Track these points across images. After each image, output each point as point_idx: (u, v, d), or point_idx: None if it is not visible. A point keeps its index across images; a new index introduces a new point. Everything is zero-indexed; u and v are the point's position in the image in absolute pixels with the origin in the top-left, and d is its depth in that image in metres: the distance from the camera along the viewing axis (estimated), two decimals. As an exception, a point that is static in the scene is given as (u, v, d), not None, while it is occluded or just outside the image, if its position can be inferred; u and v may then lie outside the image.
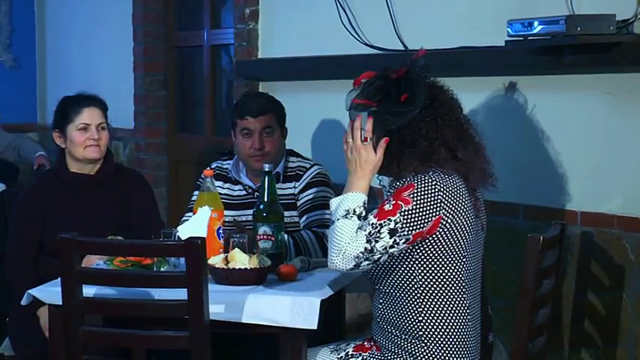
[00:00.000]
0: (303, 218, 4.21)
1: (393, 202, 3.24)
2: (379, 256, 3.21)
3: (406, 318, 3.30)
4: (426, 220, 3.21)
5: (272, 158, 4.23)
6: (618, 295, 3.76)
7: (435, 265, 3.28)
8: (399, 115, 3.30)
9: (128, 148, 6.65)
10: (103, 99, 4.60)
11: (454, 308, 3.30)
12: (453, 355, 3.28)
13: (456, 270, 3.30)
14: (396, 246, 3.21)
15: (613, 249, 3.77)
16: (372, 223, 3.22)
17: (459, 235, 3.28)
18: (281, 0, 5.32)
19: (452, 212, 3.26)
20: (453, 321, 3.29)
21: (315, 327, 3.37)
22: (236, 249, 3.75)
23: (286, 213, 4.00)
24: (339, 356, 3.52)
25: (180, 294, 3.33)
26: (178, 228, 3.92)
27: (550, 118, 4.07)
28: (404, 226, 3.20)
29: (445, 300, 3.29)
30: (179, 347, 3.46)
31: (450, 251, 3.28)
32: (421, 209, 3.21)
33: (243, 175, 4.38)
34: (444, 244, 3.27)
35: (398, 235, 3.19)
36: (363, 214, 3.25)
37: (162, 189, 6.45)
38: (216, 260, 3.68)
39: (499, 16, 4.01)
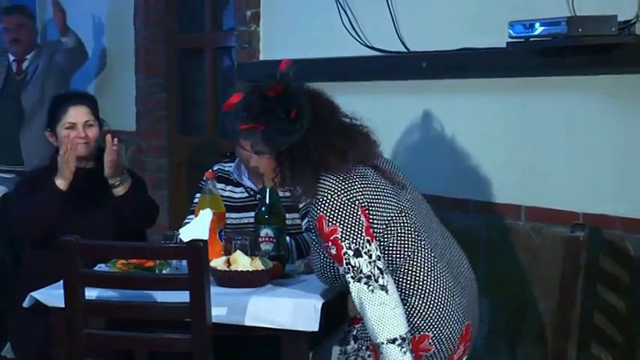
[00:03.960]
0: (305, 220, 4.20)
1: (329, 243, 3.24)
2: (376, 270, 3.19)
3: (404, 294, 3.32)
4: (358, 219, 3.23)
5: None
6: (625, 295, 3.77)
7: (397, 245, 3.32)
8: (290, 133, 3.29)
9: (130, 151, 6.64)
10: (91, 95, 4.64)
11: (421, 259, 3.34)
12: (433, 303, 3.30)
13: (413, 240, 3.34)
14: (371, 250, 3.21)
15: (615, 250, 3.76)
16: (344, 270, 3.23)
17: (387, 205, 3.32)
18: (282, 2, 5.33)
19: (367, 197, 3.29)
20: (425, 269, 3.33)
21: (317, 329, 3.39)
22: (238, 251, 3.77)
23: (288, 215, 4.02)
24: (339, 339, 3.55)
25: (183, 296, 3.35)
26: (180, 230, 3.94)
27: (551, 119, 4.07)
28: (354, 241, 3.21)
29: (419, 269, 3.32)
30: (181, 350, 3.46)
31: (392, 223, 3.32)
32: (346, 220, 3.22)
33: (245, 177, 4.39)
34: (384, 222, 3.30)
35: (362, 245, 3.21)
36: None
37: (163, 191, 6.46)
38: (218, 262, 3.70)
39: (500, 17, 4.00)
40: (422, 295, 3.30)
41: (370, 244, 3.21)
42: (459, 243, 3.83)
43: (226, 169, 4.47)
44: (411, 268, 3.32)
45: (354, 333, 3.47)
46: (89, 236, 3.71)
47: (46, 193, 4.26)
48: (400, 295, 3.24)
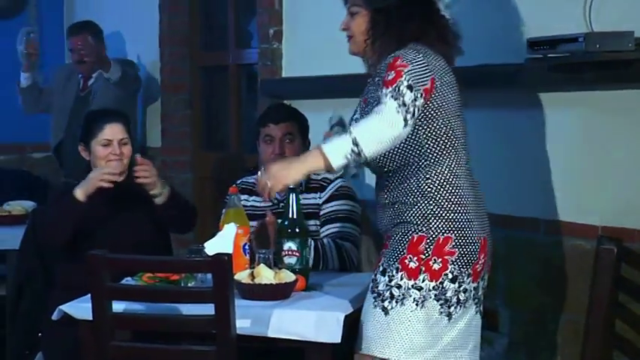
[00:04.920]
0: (325, 228, 4.26)
1: (392, 71, 3.21)
2: (412, 108, 3.15)
3: (415, 183, 3.32)
4: (426, 77, 3.22)
5: None
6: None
7: (443, 134, 3.32)
8: None
9: (156, 166, 6.67)
10: (125, 113, 4.66)
11: (455, 162, 3.34)
12: (458, 203, 3.31)
13: (451, 129, 3.34)
14: (417, 100, 3.17)
15: (636, 261, 3.75)
16: (389, 90, 3.17)
17: (449, 98, 3.33)
18: (304, 20, 5.35)
19: (440, 75, 3.30)
20: (455, 172, 3.33)
21: (339, 341, 3.37)
22: (262, 265, 3.77)
23: (309, 221, 4.08)
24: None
25: (208, 309, 3.35)
26: (205, 244, 3.93)
27: (571, 134, 4.06)
28: (414, 80, 3.17)
29: (446, 156, 3.33)
30: None
31: (445, 113, 3.32)
32: (418, 67, 3.20)
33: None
34: (439, 106, 3.30)
35: (415, 89, 3.16)
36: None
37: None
38: (242, 276, 3.69)
39: (519, 33, 4.01)
40: (450, 194, 3.31)
41: (421, 97, 3.18)
42: None
43: (250, 181, 4.48)
44: (447, 166, 3.33)
45: (380, 269, 3.40)
46: (117, 249, 3.74)
47: (65, 203, 4.29)
48: (431, 189, 3.29)
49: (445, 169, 3.31)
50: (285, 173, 3.27)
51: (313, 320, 3.42)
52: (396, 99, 3.13)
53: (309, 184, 4.34)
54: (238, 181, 4.55)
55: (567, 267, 4.03)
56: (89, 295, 3.50)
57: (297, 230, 3.84)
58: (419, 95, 3.16)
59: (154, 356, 3.60)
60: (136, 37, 6.71)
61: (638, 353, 3.71)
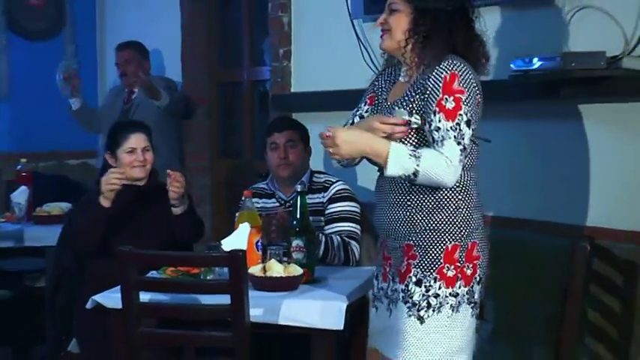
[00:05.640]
0: (331, 226, 4.28)
1: (452, 97, 3.02)
2: (468, 147, 3.06)
3: (444, 197, 3.11)
4: (477, 103, 3.08)
5: (295, 168, 4.41)
6: (618, 296, 3.75)
7: (472, 151, 3.15)
8: None
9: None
10: (147, 124, 4.67)
11: (472, 169, 3.19)
12: (476, 208, 3.19)
13: (476, 149, 3.19)
14: (472, 132, 3.06)
15: (608, 257, 3.75)
16: (451, 127, 3.01)
17: (479, 117, 3.14)
18: (310, 41, 5.35)
19: (480, 96, 3.12)
20: (473, 179, 3.20)
21: (342, 328, 3.39)
22: (272, 259, 3.78)
23: (314, 218, 4.07)
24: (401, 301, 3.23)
25: (224, 299, 3.35)
26: (222, 241, 3.93)
27: (549, 142, 4.07)
28: (472, 113, 3.03)
29: (469, 164, 3.15)
30: (223, 346, 3.48)
31: (475, 132, 3.12)
32: (473, 93, 3.06)
33: (278, 189, 4.50)
34: (476, 124, 3.13)
35: (472, 123, 3.03)
36: (417, 151, 3.02)
37: (206, 207, 6.47)
38: (255, 270, 3.70)
39: (504, 53, 4.01)
40: (471, 200, 3.18)
41: (471, 129, 3.05)
42: None
43: (260, 186, 4.58)
44: (467, 173, 3.17)
45: (414, 280, 3.17)
46: (142, 245, 3.76)
47: (92, 211, 4.28)
48: (458, 196, 3.14)
49: (467, 177, 3.16)
50: (350, 147, 3.08)
51: (318, 309, 3.43)
52: (459, 142, 2.99)
53: (312, 186, 4.39)
54: (251, 186, 4.56)
55: (546, 262, 4.02)
56: (118, 286, 3.51)
57: (304, 229, 3.85)
58: (473, 129, 3.05)
59: (177, 341, 3.60)
60: (161, 56, 6.71)
61: (607, 338, 3.72)
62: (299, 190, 3.99)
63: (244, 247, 3.72)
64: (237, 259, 3.36)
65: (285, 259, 3.83)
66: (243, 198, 4.24)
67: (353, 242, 4.24)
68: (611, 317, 3.75)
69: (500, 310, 4.22)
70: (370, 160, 3.23)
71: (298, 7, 5.54)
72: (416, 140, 3.08)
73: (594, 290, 3.75)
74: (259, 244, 3.96)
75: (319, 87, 5.10)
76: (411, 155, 2.98)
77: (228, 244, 3.85)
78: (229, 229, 4.07)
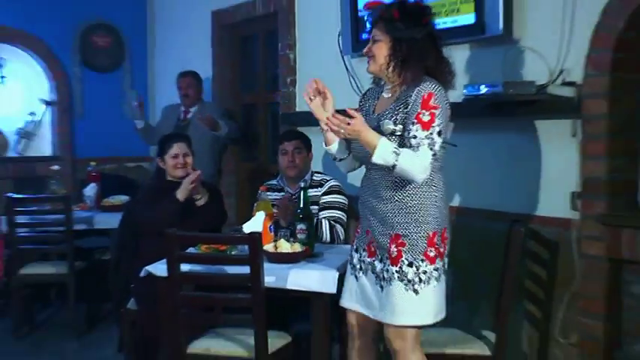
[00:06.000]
0: (323, 212, 4.33)
1: (427, 112, 2.97)
2: (439, 155, 3.03)
3: (424, 187, 3.08)
4: (447, 117, 3.03)
5: (300, 169, 4.48)
6: (544, 266, 3.75)
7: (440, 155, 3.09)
8: (413, 28, 3.04)
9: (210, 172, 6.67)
10: (187, 135, 4.74)
11: (442, 170, 3.15)
12: (445, 201, 3.16)
13: (443, 152, 3.11)
14: (442, 140, 3.02)
15: (536, 236, 3.76)
16: (426, 136, 2.97)
17: (449, 128, 3.15)
18: (310, 72, 5.31)
19: (449, 110, 3.08)
20: (443, 187, 3.15)
21: (335, 292, 3.41)
22: (282, 239, 3.81)
23: (312, 207, 4.10)
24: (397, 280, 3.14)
25: (245, 270, 3.37)
26: (243, 225, 3.96)
27: (492, 149, 4.07)
28: (443, 125, 2.99)
29: (441, 167, 3.13)
30: (244, 306, 3.48)
31: (444, 139, 3.08)
32: (445, 109, 3.00)
33: (286, 185, 4.54)
34: (447, 134, 3.11)
35: (442, 134, 3.00)
36: (399, 148, 2.98)
37: (232, 199, 6.44)
38: (268, 247, 3.72)
39: (458, 81, 4.01)
40: (443, 195, 3.14)
41: (441, 138, 3.00)
42: None
43: (272, 183, 4.62)
44: (440, 174, 3.14)
45: (406, 263, 3.12)
46: (184, 229, 3.74)
47: (169, 203, 4.31)
48: (436, 193, 3.11)
49: (438, 177, 3.13)
50: (357, 129, 2.97)
51: (316, 277, 3.46)
52: (431, 148, 2.96)
53: (312, 183, 4.41)
54: (265, 183, 4.62)
55: (491, 241, 3.99)
56: (165, 259, 3.52)
57: (306, 216, 3.88)
58: (443, 139, 3.01)
59: (208, 302, 3.62)
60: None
61: (536, 299, 3.73)
62: (302, 186, 4.05)
63: (260, 230, 3.75)
64: (255, 239, 3.38)
65: (291, 239, 3.88)
66: (259, 192, 4.32)
67: (338, 226, 4.29)
68: (539, 283, 3.73)
69: (457, 277, 4.21)
70: (363, 162, 3.26)
71: (301, 46, 5.54)
72: (397, 144, 3.02)
73: (527, 262, 3.74)
74: (271, 227, 3.96)
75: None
76: (393, 151, 2.94)
77: (248, 227, 3.88)
78: (249, 215, 4.09)
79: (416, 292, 3.07)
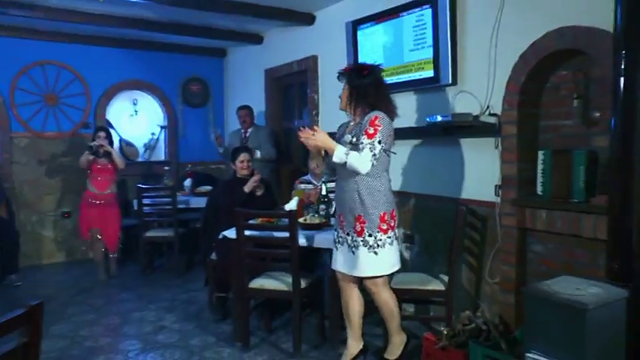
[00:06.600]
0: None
1: (372, 128, 2.90)
2: (378, 156, 2.92)
3: (377, 182, 2.99)
4: (388, 134, 2.95)
5: (322, 169, 4.35)
6: (478, 232, 3.77)
7: (384, 157, 2.99)
8: (361, 79, 3.01)
9: (266, 173, 6.68)
10: (250, 147, 4.79)
11: (388, 172, 3.06)
12: (391, 192, 3.06)
13: (387, 158, 3.03)
14: (382, 148, 2.93)
15: (473, 213, 3.77)
16: (369, 142, 2.89)
17: (391, 141, 3.01)
18: (329, 107, 5.36)
19: (391, 130, 2.99)
20: (389, 178, 3.06)
21: None
22: (310, 214, 3.84)
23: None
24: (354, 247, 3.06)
25: (285, 234, 3.40)
26: (285, 206, 4.00)
27: (444, 156, 4.02)
28: (383, 138, 2.92)
29: (386, 170, 3.04)
30: (285, 258, 3.47)
31: (389, 147, 3.01)
32: (386, 127, 2.93)
33: (313, 179, 4.47)
34: (388, 147, 3.00)
35: (382, 143, 2.92)
36: (349, 151, 2.91)
37: (279, 189, 6.46)
38: (300, 220, 3.73)
39: (424, 113, 4.01)
40: (389, 188, 3.05)
41: (383, 146, 2.93)
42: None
43: (304, 178, 4.54)
44: (386, 174, 3.04)
45: (367, 234, 3.01)
46: (251, 209, 3.80)
47: (238, 194, 4.31)
48: (384, 186, 3.00)
49: (387, 175, 3.06)
50: (320, 141, 2.96)
51: (331, 239, 3.39)
52: (371, 151, 2.89)
53: (330, 178, 4.26)
54: (300, 178, 4.59)
55: (443, 216, 3.99)
56: (234, 227, 3.56)
57: (326, 200, 3.89)
58: (382, 147, 2.94)
59: (262, 255, 3.62)
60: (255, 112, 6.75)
61: (474, 255, 3.76)
62: (323, 180, 4.06)
63: (295, 209, 3.81)
64: (292, 214, 3.42)
65: (316, 214, 3.88)
66: (295, 184, 4.35)
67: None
68: (475, 243, 3.75)
69: (422, 239, 4.22)
70: (336, 169, 3.14)
71: (322, 91, 5.51)
72: (351, 148, 2.95)
73: (467, 230, 3.77)
74: (303, 207, 4.01)
75: (333, 129, 5.14)
76: (345, 153, 2.90)
77: (288, 207, 3.95)
78: (288, 199, 4.15)
79: (376, 253, 3.01)
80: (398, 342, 3.21)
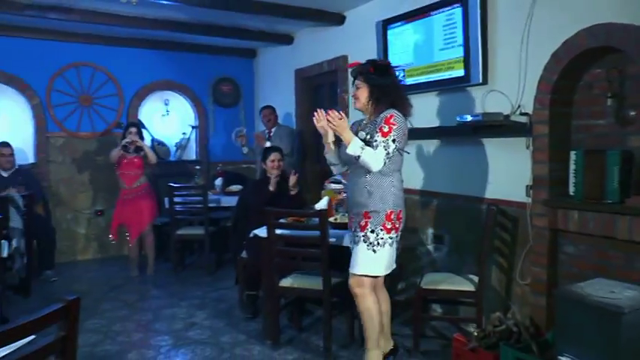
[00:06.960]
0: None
1: (387, 126, 2.87)
2: (391, 154, 2.89)
3: (387, 181, 2.96)
4: (402, 132, 2.92)
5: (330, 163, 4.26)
6: (509, 233, 3.75)
7: (397, 156, 2.96)
8: (381, 78, 2.99)
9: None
10: (280, 147, 4.71)
11: (400, 172, 3.03)
12: (402, 191, 3.02)
13: (400, 157, 3.00)
14: (396, 147, 2.90)
15: (503, 213, 3.75)
16: (383, 140, 2.87)
17: (405, 140, 2.97)
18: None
19: (406, 128, 2.97)
20: (400, 178, 3.02)
21: None
22: (340, 214, 3.85)
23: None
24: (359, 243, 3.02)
25: (316, 233, 3.41)
26: (315, 205, 4.01)
27: (474, 156, 4.01)
28: (397, 136, 2.89)
29: (399, 169, 3.01)
30: (315, 257, 3.47)
31: (402, 146, 2.97)
32: (401, 127, 2.91)
33: (342, 179, 4.38)
34: (402, 146, 2.96)
35: (397, 141, 2.89)
36: (365, 146, 2.89)
37: (310, 189, 6.49)
38: (331, 219, 3.75)
39: (454, 113, 4.00)
40: (400, 188, 3.01)
41: (396, 145, 2.90)
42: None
43: (333, 177, 4.42)
44: (399, 173, 3.01)
45: (370, 230, 2.97)
46: (284, 208, 3.82)
47: (266, 193, 4.36)
48: (395, 185, 2.96)
49: (399, 175, 3.01)
50: (340, 128, 2.96)
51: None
52: (385, 149, 2.87)
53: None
54: (329, 178, 4.58)
55: (473, 216, 3.98)
56: (265, 226, 3.58)
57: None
58: (396, 146, 2.90)
59: (293, 254, 3.61)
60: (283, 112, 6.75)
61: (504, 255, 3.73)
62: (334, 173, 4.02)
63: (326, 208, 3.81)
64: (323, 213, 3.42)
65: (345, 214, 3.85)
66: (325, 184, 4.34)
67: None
68: (505, 244, 3.73)
69: (452, 239, 4.22)
70: (348, 164, 3.11)
71: (352, 91, 5.55)
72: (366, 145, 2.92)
73: (497, 230, 3.75)
74: (333, 206, 4.01)
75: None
76: (360, 147, 2.87)
77: (318, 206, 3.95)
78: (319, 198, 4.16)
79: (374, 251, 2.96)
80: (374, 359, 3.07)
